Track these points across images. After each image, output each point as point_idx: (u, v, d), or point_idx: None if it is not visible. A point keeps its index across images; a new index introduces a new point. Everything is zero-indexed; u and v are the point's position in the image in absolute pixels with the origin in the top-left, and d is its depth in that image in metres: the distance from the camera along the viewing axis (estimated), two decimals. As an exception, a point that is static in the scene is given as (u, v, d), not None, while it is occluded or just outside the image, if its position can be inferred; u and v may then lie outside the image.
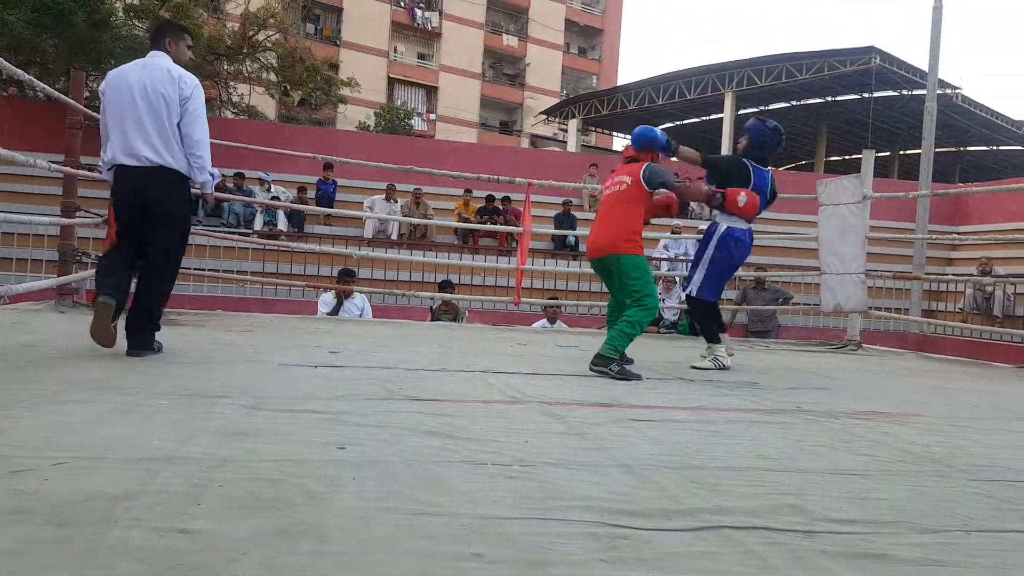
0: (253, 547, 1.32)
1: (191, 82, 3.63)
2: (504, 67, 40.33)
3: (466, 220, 13.27)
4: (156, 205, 3.60)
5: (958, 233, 16.47)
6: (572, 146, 31.56)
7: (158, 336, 3.70)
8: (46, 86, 5.31)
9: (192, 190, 3.83)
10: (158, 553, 1.28)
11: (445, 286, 8.47)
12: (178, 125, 3.60)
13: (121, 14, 15.90)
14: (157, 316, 3.70)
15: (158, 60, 3.66)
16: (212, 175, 3.70)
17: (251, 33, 18.56)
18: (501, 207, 13.48)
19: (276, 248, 10.37)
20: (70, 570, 1.20)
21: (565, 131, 34.61)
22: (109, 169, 3.69)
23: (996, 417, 3.43)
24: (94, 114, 5.79)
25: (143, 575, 1.21)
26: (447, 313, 8.07)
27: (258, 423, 2.29)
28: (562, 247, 13.54)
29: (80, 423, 2.18)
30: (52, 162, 5.34)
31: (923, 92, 13.18)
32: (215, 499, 1.57)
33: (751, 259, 13.36)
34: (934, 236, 13.70)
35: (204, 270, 9.30)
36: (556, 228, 13.25)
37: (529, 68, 39.57)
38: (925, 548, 1.56)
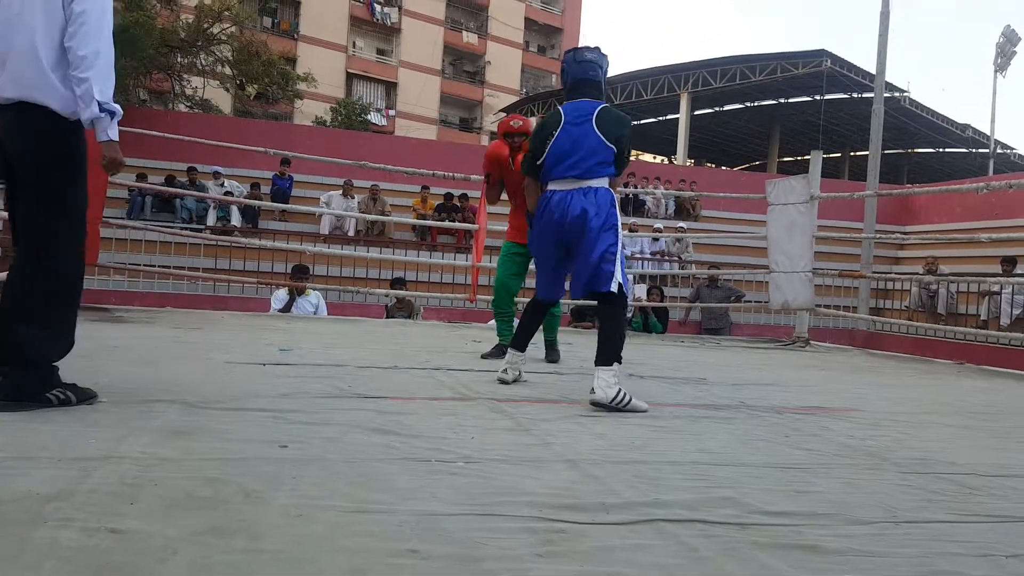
0: (184, 546, 1.31)
1: None
2: (464, 64, 40.22)
3: (423, 217, 13.23)
4: (15, 160, 2.41)
5: (904, 233, 16.91)
6: (532, 144, 31.60)
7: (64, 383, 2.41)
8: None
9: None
10: (86, 553, 1.26)
11: (397, 283, 8.43)
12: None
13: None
14: (42, 351, 2.36)
15: None
16: (104, 109, 2.35)
17: (206, 26, 18.24)
18: (459, 204, 13.46)
19: (229, 244, 10.20)
20: (-8, 571, 1.18)
21: (525, 129, 34.64)
22: None
23: (933, 412, 3.53)
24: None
25: (69, 575, 1.19)
26: (402, 311, 8.04)
27: (199, 422, 2.26)
28: (520, 245, 13.56)
29: (16, 422, 2.13)
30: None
31: (872, 95, 13.49)
32: (149, 498, 1.55)
33: (706, 258, 13.56)
34: (880, 236, 14.03)
35: (154, 266, 9.12)
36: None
37: (489, 66, 39.54)
38: (853, 539, 1.60)
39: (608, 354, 3.02)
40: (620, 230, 3.23)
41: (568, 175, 3.19)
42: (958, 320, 11.27)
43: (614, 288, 3.12)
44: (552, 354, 4.55)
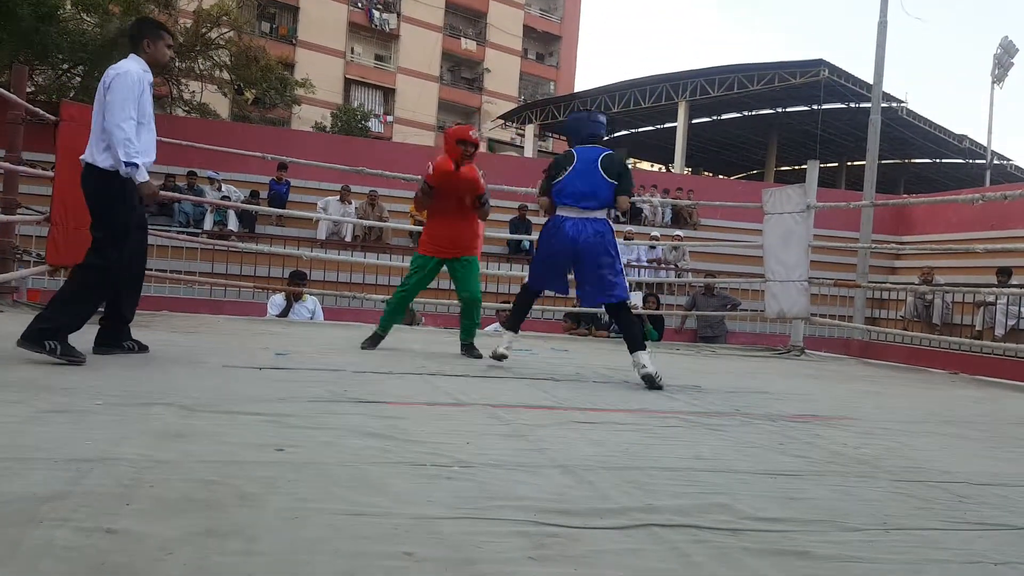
0: (180, 547, 1.32)
1: (111, 73, 3.48)
2: (462, 71, 40.32)
3: (421, 223, 13.22)
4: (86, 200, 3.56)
5: (900, 243, 16.95)
6: (529, 151, 31.70)
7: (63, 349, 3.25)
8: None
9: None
10: (81, 553, 1.27)
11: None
12: None
13: (69, 7, 15.52)
14: (48, 320, 3.29)
15: (121, 64, 3.55)
16: (128, 164, 3.39)
17: (204, 31, 18.26)
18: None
19: (226, 248, 10.20)
20: (-12, 571, 1.19)
21: (523, 136, 34.74)
22: None
23: (926, 421, 3.55)
24: (37, 110, 5.66)
25: (64, 575, 1.20)
26: (403, 317, 8.03)
27: (195, 425, 2.27)
28: (517, 251, 13.58)
29: (12, 423, 2.14)
30: (-9, 157, 5.21)
31: (869, 105, 13.54)
32: (145, 500, 1.55)
33: (702, 266, 13.59)
34: (876, 246, 14.07)
35: (151, 270, 9.11)
36: (511, 233, 13.30)
37: (487, 73, 39.64)
38: (845, 546, 1.62)
39: (639, 341, 3.98)
40: (615, 248, 4.13)
41: (580, 205, 4.07)
42: (953, 330, 11.29)
43: (625, 298, 4.07)
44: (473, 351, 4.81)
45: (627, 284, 4.11)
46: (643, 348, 3.97)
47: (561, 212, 4.11)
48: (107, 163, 3.45)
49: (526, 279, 4.41)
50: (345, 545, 1.40)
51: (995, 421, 3.76)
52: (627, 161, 4.36)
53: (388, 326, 4.93)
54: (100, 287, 3.53)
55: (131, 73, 3.47)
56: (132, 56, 3.60)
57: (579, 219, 4.06)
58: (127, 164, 3.37)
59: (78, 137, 5.46)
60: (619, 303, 4.07)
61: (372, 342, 4.84)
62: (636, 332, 4.02)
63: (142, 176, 3.45)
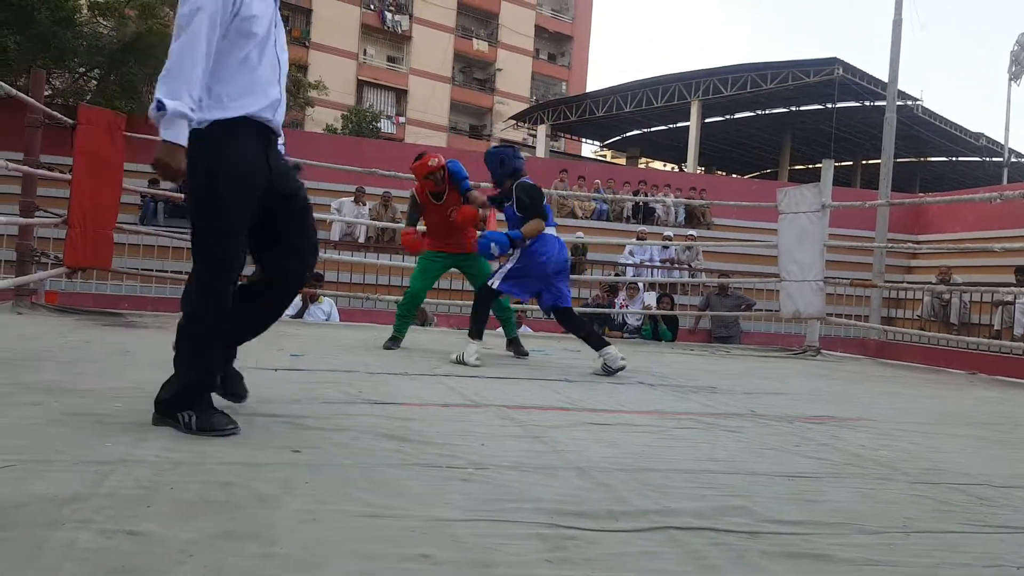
0: (199, 549, 1.33)
1: None
2: (474, 72, 40.36)
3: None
4: None
5: (917, 242, 16.82)
6: (541, 151, 31.67)
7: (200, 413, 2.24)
8: (5, 84, 5.23)
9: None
10: (103, 555, 1.28)
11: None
12: None
13: (86, 11, 15.65)
14: (181, 369, 2.30)
15: None
16: (161, 105, 2.09)
17: (219, 33, 18.37)
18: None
19: (241, 250, 10.25)
20: (11, 572, 1.20)
21: (534, 136, 34.72)
22: None
23: (944, 422, 3.52)
24: (54, 113, 5.72)
25: (86, 577, 1.21)
26: (415, 318, 8.05)
27: (213, 426, 2.28)
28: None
29: (33, 425, 2.16)
30: (10, 160, 5.25)
31: (884, 103, 13.45)
32: (165, 501, 1.57)
33: (716, 266, 13.53)
34: (892, 245, 13.97)
35: (167, 271, 9.18)
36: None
37: (499, 73, 39.66)
38: (864, 548, 1.61)
39: (598, 342, 4.42)
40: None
41: (553, 224, 4.59)
42: (971, 330, 11.19)
43: (570, 305, 4.60)
44: (520, 348, 5.05)
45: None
46: (603, 347, 4.36)
47: (552, 231, 4.54)
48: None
49: (493, 283, 4.47)
50: (362, 547, 1.40)
51: (1014, 422, 3.73)
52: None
53: (403, 328, 5.06)
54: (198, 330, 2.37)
55: None
56: None
57: (559, 238, 4.57)
58: (160, 108, 2.11)
59: (95, 140, 5.53)
60: (567, 308, 4.58)
61: (394, 342, 5.00)
62: (586, 329, 4.61)
63: (172, 133, 2.12)
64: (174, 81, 2.11)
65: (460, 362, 4.26)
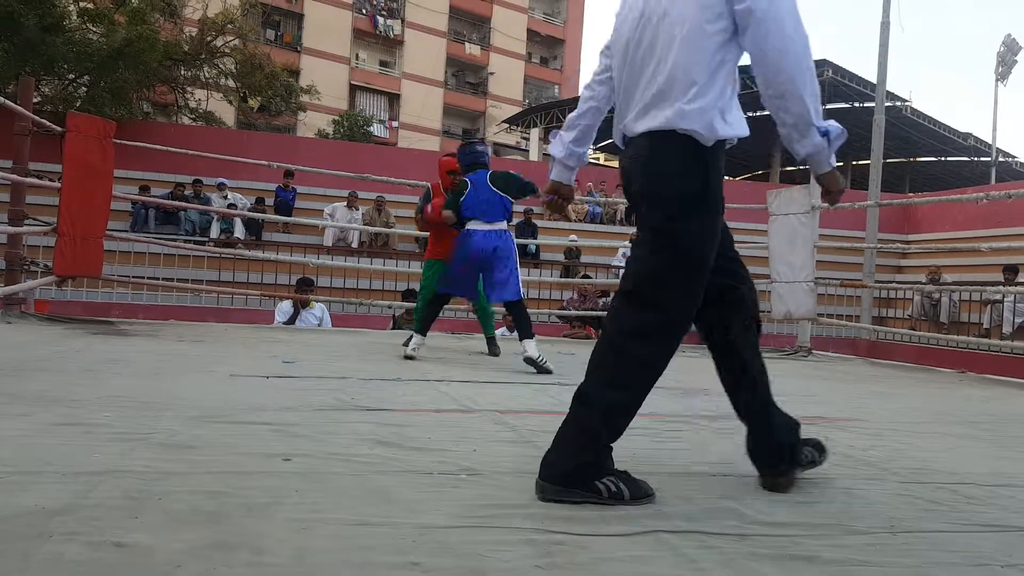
0: (188, 560, 1.32)
1: None
2: (467, 75, 40.40)
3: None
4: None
5: (906, 242, 16.90)
6: (534, 155, 31.69)
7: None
8: (-8, 92, 5.22)
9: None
10: (91, 567, 1.28)
11: (408, 295, 8.46)
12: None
13: (75, 18, 15.61)
14: (592, 423, 1.90)
15: None
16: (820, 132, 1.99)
17: (209, 39, 18.35)
18: (462, 215, 13.50)
19: (233, 256, 10.24)
20: (-1, 585, 1.20)
21: (527, 140, 34.75)
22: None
23: (934, 422, 3.54)
24: (43, 121, 5.70)
25: (74, 589, 1.21)
26: (409, 322, 8.05)
27: (203, 435, 2.28)
28: (523, 255, 13.59)
29: (20, 436, 2.15)
30: (-2, 169, 5.25)
31: (873, 104, 13.52)
32: (153, 512, 1.56)
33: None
34: (882, 245, 14.03)
35: (158, 279, 9.17)
36: (516, 237, 13.28)
37: (492, 77, 39.70)
38: (851, 549, 1.61)
39: (528, 331, 4.57)
40: (516, 254, 4.76)
41: (486, 219, 4.65)
42: (960, 329, 11.26)
43: (519, 296, 4.70)
44: (494, 348, 5.34)
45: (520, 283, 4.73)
46: (531, 337, 4.53)
47: (471, 226, 4.67)
48: (704, 125, 1.97)
49: (438, 287, 4.87)
50: (352, 555, 1.40)
51: (1003, 420, 3.75)
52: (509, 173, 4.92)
53: (423, 329, 4.97)
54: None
55: None
56: None
57: (485, 231, 4.65)
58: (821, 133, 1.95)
59: (84, 147, 5.51)
60: (517, 300, 4.71)
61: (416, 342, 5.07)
62: (526, 322, 4.66)
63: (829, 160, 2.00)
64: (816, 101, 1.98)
65: (407, 357, 4.61)
